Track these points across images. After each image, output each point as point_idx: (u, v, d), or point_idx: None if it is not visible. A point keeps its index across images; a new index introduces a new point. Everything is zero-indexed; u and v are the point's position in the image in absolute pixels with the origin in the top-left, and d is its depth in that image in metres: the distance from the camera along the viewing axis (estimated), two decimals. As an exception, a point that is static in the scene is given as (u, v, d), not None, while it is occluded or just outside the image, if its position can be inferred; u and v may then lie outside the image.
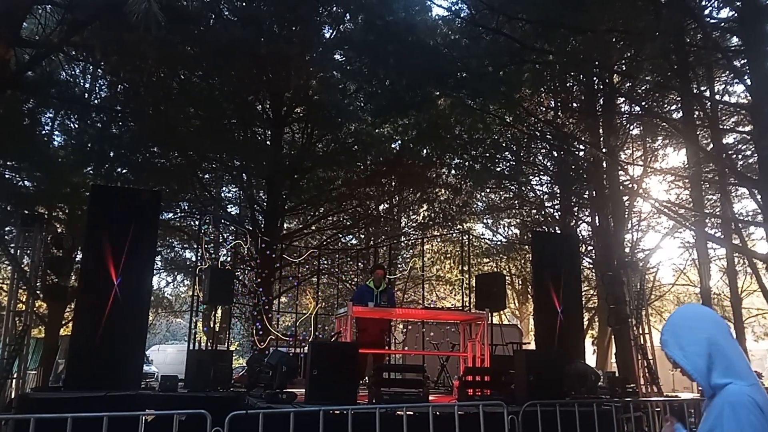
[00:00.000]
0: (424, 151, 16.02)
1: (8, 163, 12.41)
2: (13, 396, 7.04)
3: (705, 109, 11.82)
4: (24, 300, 8.95)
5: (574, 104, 16.12)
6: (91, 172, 13.43)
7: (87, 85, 15.59)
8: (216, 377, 7.54)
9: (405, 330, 14.61)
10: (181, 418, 4.56)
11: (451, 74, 10.88)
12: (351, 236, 20.62)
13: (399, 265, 20.72)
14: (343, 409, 4.89)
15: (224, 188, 19.25)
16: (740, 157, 13.73)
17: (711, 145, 12.94)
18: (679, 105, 12.99)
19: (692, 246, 16.89)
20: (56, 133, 15.03)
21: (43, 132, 14.17)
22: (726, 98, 13.96)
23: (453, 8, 12.75)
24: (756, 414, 1.63)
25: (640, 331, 10.64)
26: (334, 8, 14.23)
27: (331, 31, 15.10)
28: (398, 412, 5.17)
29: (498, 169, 17.12)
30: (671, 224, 16.24)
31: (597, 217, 15.99)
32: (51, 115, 14.53)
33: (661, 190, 17.30)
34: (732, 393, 1.68)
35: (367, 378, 8.24)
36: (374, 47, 11.18)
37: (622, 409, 6.32)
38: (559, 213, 17.76)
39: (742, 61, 9.59)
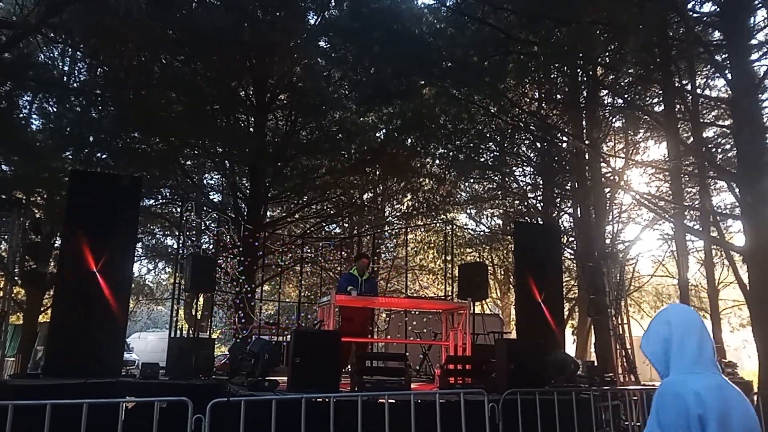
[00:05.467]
0: (409, 140, 16.02)
1: (-16, 146, 12.17)
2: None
3: (686, 102, 11.95)
4: (1, 286, 8.80)
5: (558, 96, 16.20)
6: (70, 156, 13.21)
7: (66, 68, 15.30)
8: (198, 365, 7.52)
9: (388, 319, 14.67)
10: (162, 405, 4.54)
11: (436, 63, 10.87)
12: (335, 225, 20.60)
13: (383, 255, 20.75)
14: (325, 397, 4.91)
15: (206, 175, 19.08)
16: (720, 150, 13.93)
17: (691, 139, 13.10)
18: (661, 98, 13.12)
19: (671, 238, 17.14)
20: (34, 116, 14.77)
21: (21, 115, 13.89)
22: (707, 92, 14.13)
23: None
24: (675, 403, 1.83)
25: (619, 322, 10.80)
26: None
27: (315, 17, 14.97)
28: (380, 400, 5.19)
29: (482, 159, 17.19)
30: (651, 216, 16.46)
31: (579, 209, 16.15)
32: (29, 99, 14.25)
33: (642, 183, 17.54)
34: (662, 385, 1.93)
35: (350, 366, 8.27)
36: (359, 35, 11.10)
37: (600, 397, 6.42)
38: (542, 204, 17.90)
39: (724, 56, 9.71)
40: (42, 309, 14.66)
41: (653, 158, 17.51)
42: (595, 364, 10.96)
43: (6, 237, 8.37)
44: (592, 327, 15.52)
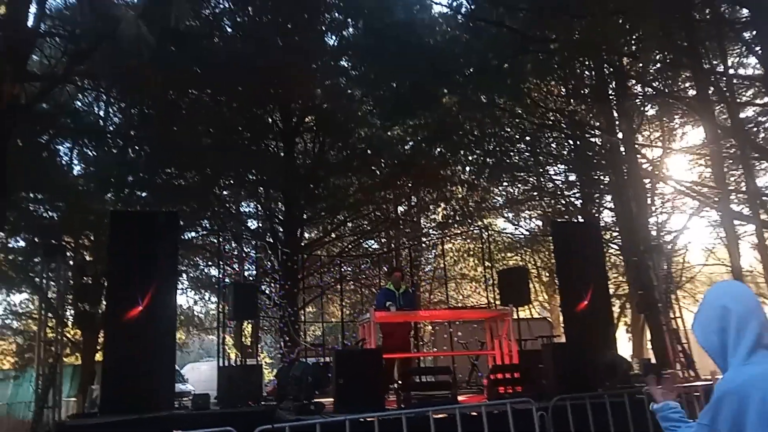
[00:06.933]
0: (437, 150, 15.95)
1: (31, 195, 12.71)
2: (49, 425, 7.18)
3: (719, 84, 11.55)
4: (53, 329, 9.12)
5: (585, 90, 15.87)
6: (111, 198, 13.66)
7: (101, 113, 15.86)
8: (247, 392, 7.60)
9: (434, 331, 14.55)
10: (209, 436, 4.59)
11: (455, 71, 10.84)
12: (372, 241, 20.62)
13: (422, 266, 20.62)
14: (369, 417, 4.87)
15: (243, 203, 19.39)
16: (761, 129, 13.36)
17: (729, 121, 12.62)
18: (693, 82, 12.72)
19: (719, 225, 16.47)
20: (75, 161, 15.36)
21: (63, 162, 14.49)
22: (741, 71, 13.63)
23: (453, 4, 12.69)
24: (727, 402, 1.64)
25: (672, 316, 10.41)
26: (335, 14, 14.26)
27: (334, 38, 15.15)
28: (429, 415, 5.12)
29: (513, 161, 16.95)
30: (697, 203, 15.87)
31: (619, 203, 15.71)
32: (69, 145, 14.85)
33: (684, 170, 16.95)
34: (719, 383, 1.71)
35: (398, 382, 8.21)
36: (375, 51, 11.18)
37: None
38: (581, 201, 17.51)
39: (752, 33, 9.36)
40: (98, 349, 15.11)
41: (693, 144, 16.92)
42: (652, 361, 10.61)
43: (53, 281, 8.66)
44: (646, 323, 15.02)
